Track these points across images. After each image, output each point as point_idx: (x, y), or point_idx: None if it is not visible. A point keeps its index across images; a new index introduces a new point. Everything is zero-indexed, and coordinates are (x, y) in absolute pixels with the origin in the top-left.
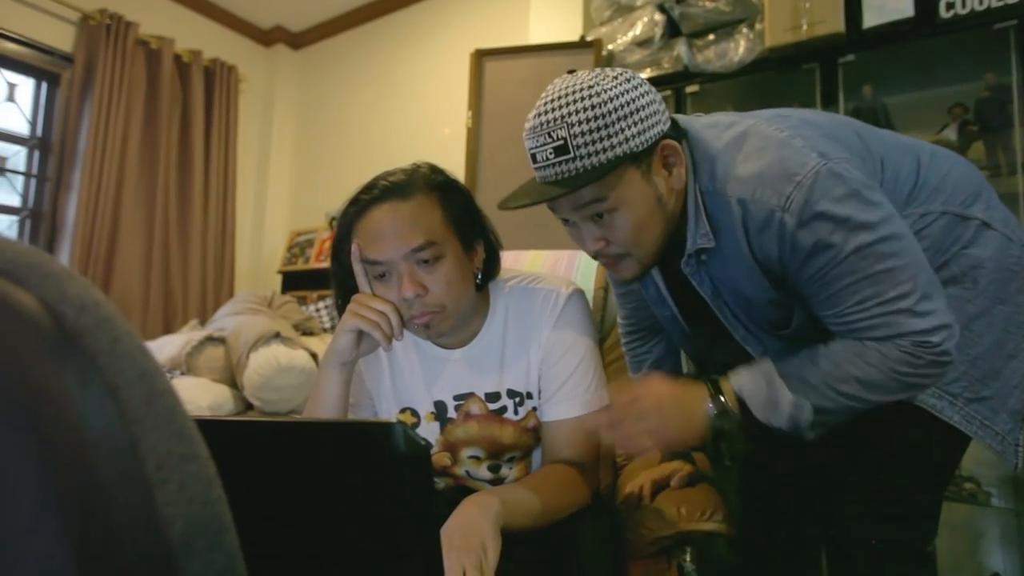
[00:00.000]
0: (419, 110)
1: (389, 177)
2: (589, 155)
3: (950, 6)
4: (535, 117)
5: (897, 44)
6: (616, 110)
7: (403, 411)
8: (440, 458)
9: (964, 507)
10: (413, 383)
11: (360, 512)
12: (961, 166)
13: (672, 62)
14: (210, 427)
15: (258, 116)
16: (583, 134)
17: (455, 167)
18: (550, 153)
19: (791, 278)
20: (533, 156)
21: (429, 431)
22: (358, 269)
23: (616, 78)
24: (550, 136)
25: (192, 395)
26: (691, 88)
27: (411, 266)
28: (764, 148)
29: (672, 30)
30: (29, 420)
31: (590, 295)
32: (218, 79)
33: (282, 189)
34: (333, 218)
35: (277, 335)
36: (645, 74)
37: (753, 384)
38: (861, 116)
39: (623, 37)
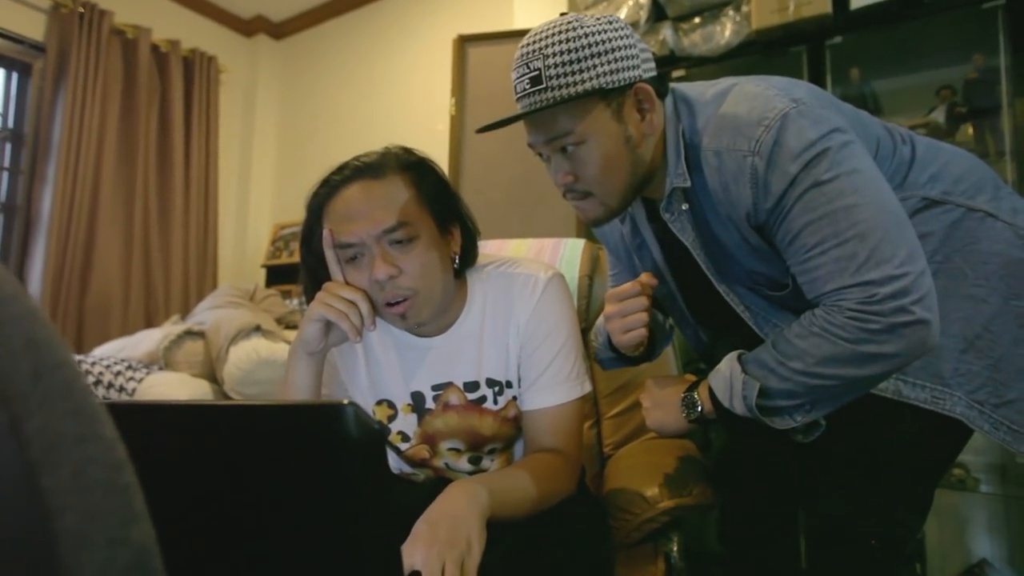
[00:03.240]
0: (404, 99)
1: (361, 158)
2: (560, 86)
3: None
4: (519, 50)
5: (884, 26)
6: (591, 46)
7: (379, 403)
8: (418, 451)
9: (953, 493)
10: (390, 374)
11: (310, 500)
12: (963, 158)
13: (658, 46)
14: (143, 412)
15: (240, 107)
16: (556, 66)
17: (439, 155)
18: (527, 84)
19: (768, 232)
20: (515, 87)
21: (407, 423)
22: (330, 255)
23: (599, 20)
24: (528, 67)
25: (169, 390)
26: (677, 72)
27: (383, 247)
28: (739, 101)
29: (658, 13)
30: None
31: (574, 282)
32: (198, 70)
33: (265, 182)
34: None
35: (258, 328)
36: None
37: (719, 372)
38: (849, 99)
39: None
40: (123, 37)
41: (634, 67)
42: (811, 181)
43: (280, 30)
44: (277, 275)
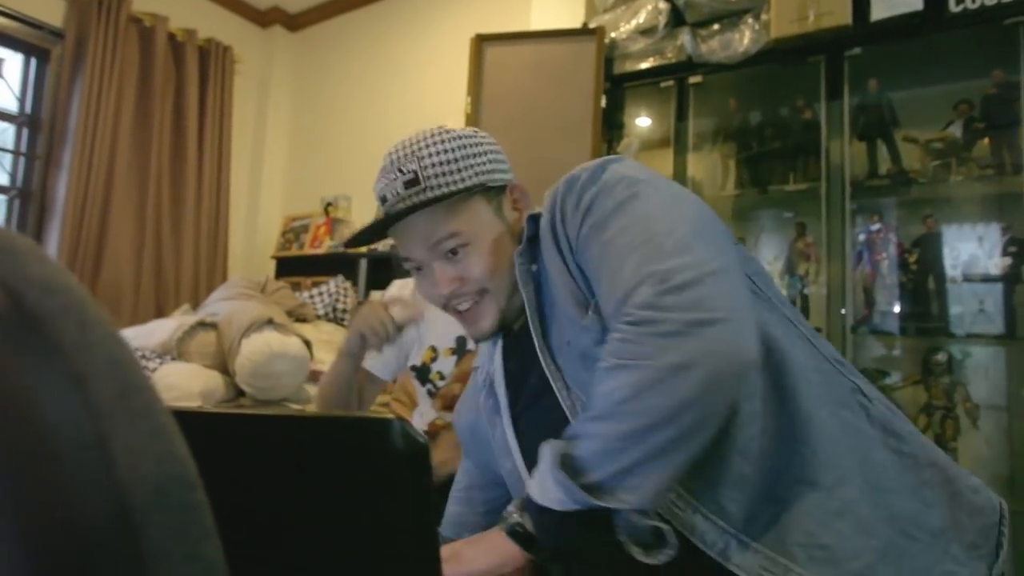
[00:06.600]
0: (418, 95)
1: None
2: (440, 186)
3: (960, 0)
4: (385, 159)
5: (904, 38)
6: (467, 147)
7: (427, 350)
8: (451, 388)
9: None
10: (440, 323)
11: (355, 511)
12: None
13: (675, 52)
14: (193, 420)
15: (253, 98)
16: (434, 165)
17: None
18: (400, 188)
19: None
20: (383, 199)
21: (446, 364)
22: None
23: (464, 130)
24: (400, 171)
25: (183, 381)
26: (694, 79)
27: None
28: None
29: (676, 19)
30: None
31: None
32: (213, 59)
33: (277, 173)
34: (328, 204)
35: (270, 321)
36: (647, 64)
37: (535, 476)
38: (866, 111)
39: (626, 25)
40: (140, 25)
41: (507, 171)
42: (610, 201)
43: (296, 22)
44: (287, 267)
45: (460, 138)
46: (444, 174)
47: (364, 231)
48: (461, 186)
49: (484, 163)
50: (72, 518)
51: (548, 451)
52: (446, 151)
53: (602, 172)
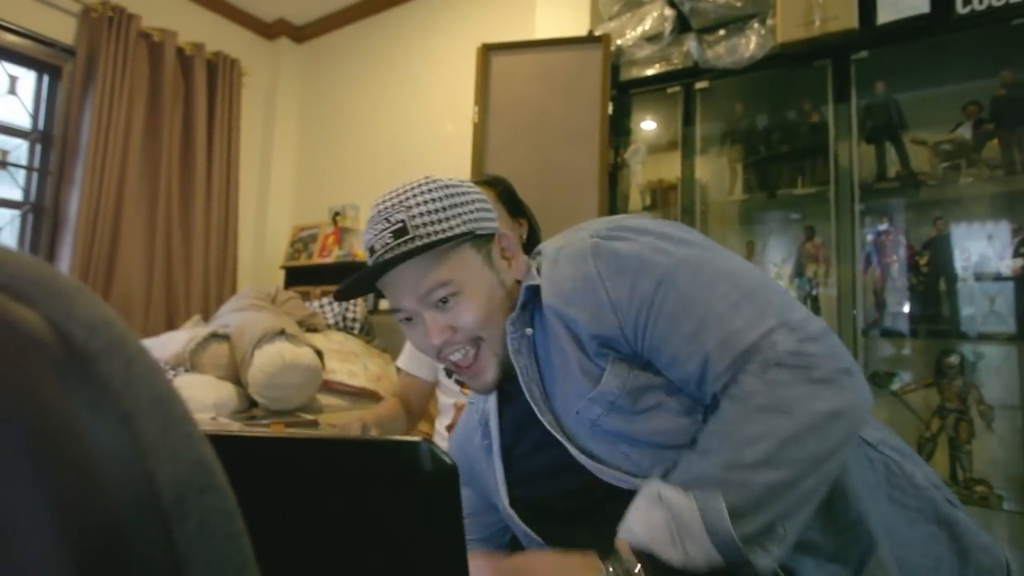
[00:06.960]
0: (424, 105)
1: None
2: (429, 235)
3: (967, 2)
4: (372, 210)
5: (912, 40)
6: (454, 196)
7: None
8: None
9: (975, 511)
10: None
11: (385, 534)
12: None
13: (682, 58)
14: (222, 443)
15: (261, 110)
16: (422, 215)
17: (461, 163)
18: (388, 238)
19: (636, 343)
20: (371, 249)
21: None
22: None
23: (451, 180)
24: (388, 221)
25: (196, 392)
26: (700, 84)
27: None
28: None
29: (682, 25)
30: (35, 453)
31: None
32: (221, 72)
33: (285, 184)
34: (336, 213)
35: (282, 332)
36: (653, 70)
37: (645, 519)
38: (874, 113)
39: (632, 32)
40: (150, 40)
41: (494, 219)
42: (667, 259)
43: (302, 33)
44: (296, 276)
45: (447, 187)
46: (432, 223)
47: (354, 282)
48: (449, 234)
49: (472, 211)
50: (120, 551)
51: (685, 505)
52: (434, 200)
53: (622, 236)
